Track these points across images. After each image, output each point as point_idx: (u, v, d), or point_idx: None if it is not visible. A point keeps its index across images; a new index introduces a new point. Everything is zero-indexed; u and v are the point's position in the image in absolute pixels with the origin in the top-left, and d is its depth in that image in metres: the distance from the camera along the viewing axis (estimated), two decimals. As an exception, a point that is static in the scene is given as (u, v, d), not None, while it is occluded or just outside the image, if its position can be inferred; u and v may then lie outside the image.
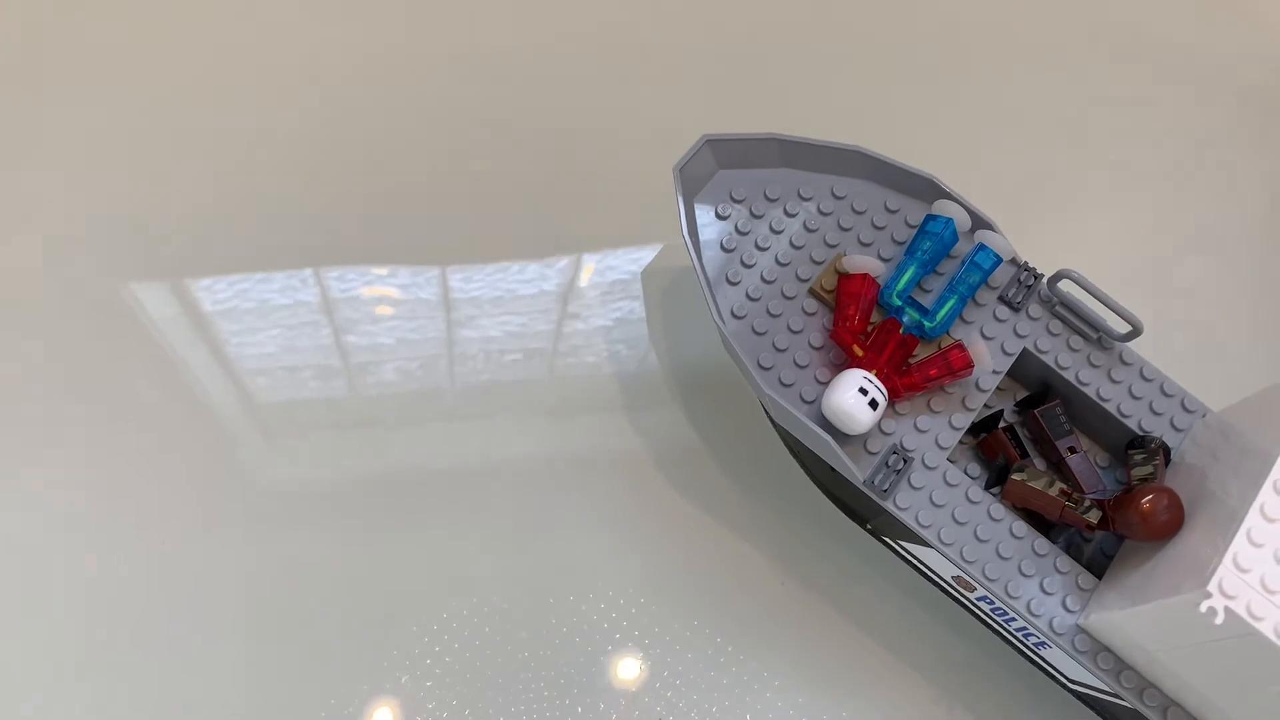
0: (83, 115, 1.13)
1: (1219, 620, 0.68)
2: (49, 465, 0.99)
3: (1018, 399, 0.92)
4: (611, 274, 1.11)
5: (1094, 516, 0.82)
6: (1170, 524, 0.78)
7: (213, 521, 0.98)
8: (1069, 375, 0.89)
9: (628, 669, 0.96)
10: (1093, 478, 0.88)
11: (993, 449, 0.89)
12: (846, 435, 0.84)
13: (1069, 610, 0.82)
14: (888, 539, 0.93)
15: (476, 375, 1.06)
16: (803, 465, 0.96)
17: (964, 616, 0.96)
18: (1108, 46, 1.26)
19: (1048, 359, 0.89)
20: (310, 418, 1.03)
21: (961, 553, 0.83)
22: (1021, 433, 0.91)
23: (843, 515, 0.97)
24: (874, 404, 0.81)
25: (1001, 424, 0.90)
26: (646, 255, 1.12)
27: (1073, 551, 0.87)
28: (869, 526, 0.94)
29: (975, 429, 0.90)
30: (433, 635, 0.95)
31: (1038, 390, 0.91)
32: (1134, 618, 0.77)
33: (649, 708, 0.94)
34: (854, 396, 0.81)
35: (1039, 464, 0.90)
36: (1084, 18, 1.28)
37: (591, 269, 1.11)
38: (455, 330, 1.08)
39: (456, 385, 1.06)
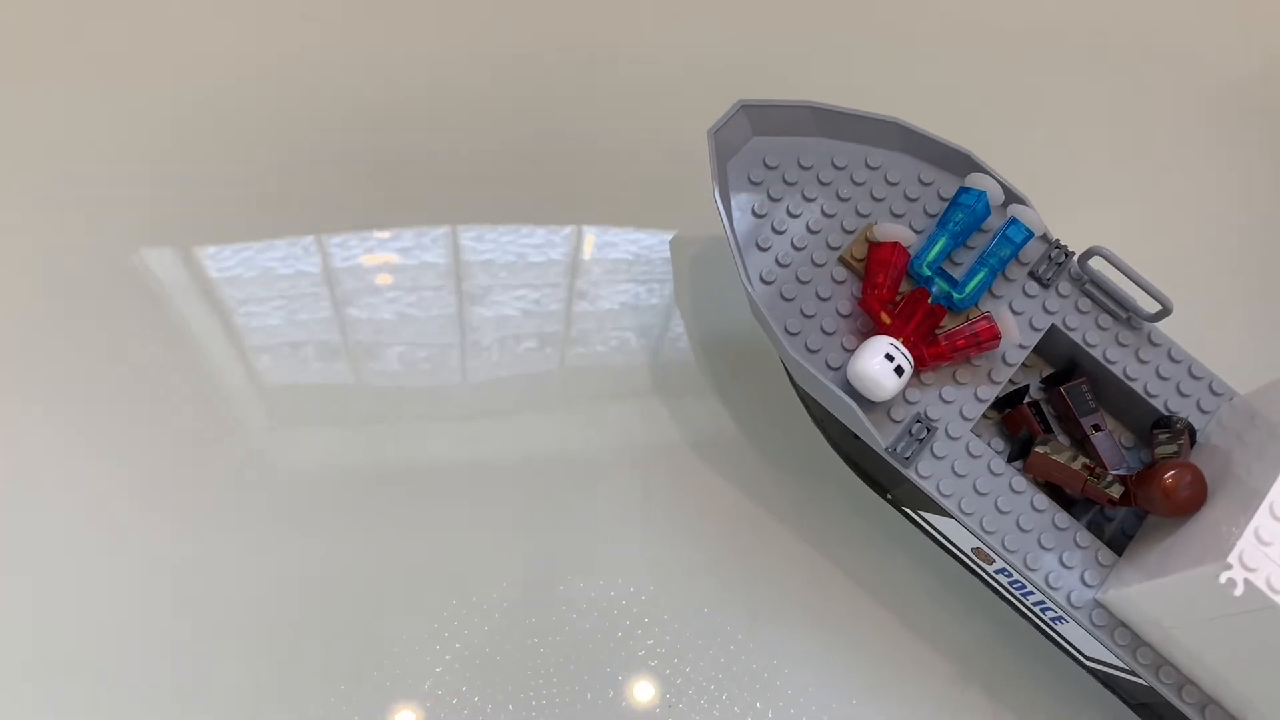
0: (77, 84, 1.14)
1: (1238, 592, 0.68)
2: (46, 448, 0.99)
3: (1044, 375, 0.92)
4: (635, 250, 1.11)
5: (1116, 491, 0.82)
6: (1193, 499, 0.78)
7: (210, 512, 0.98)
8: (1096, 353, 0.89)
9: (637, 657, 0.96)
10: (1116, 456, 0.88)
11: (1016, 424, 0.89)
12: (871, 402, 0.84)
13: (1087, 585, 0.83)
14: (908, 509, 0.93)
15: (489, 358, 1.06)
16: (825, 433, 0.97)
17: (984, 594, 0.96)
18: (1143, 33, 1.26)
19: (1075, 336, 0.89)
20: (314, 403, 1.04)
21: (981, 523, 0.83)
22: (1046, 409, 0.91)
23: (864, 485, 0.97)
24: (899, 370, 0.81)
25: (1026, 399, 0.90)
26: (678, 224, 1.12)
27: (1094, 530, 0.87)
28: (889, 496, 0.94)
29: (1000, 404, 0.90)
30: (441, 621, 0.96)
31: (1064, 368, 0.92)
32: (1152, 591, 0.77)
33: (660, 695, 0.95)
34: (880, 362, 0.81)
35: (1063, 440, 0.90)
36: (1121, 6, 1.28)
37: (607, 246, 1.12)
38: (466, 309, 1.08)
39: (467, 370, 1.06)
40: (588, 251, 1.12)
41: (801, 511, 1.01)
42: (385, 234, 1.10)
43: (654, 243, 1.12)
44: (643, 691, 0.95)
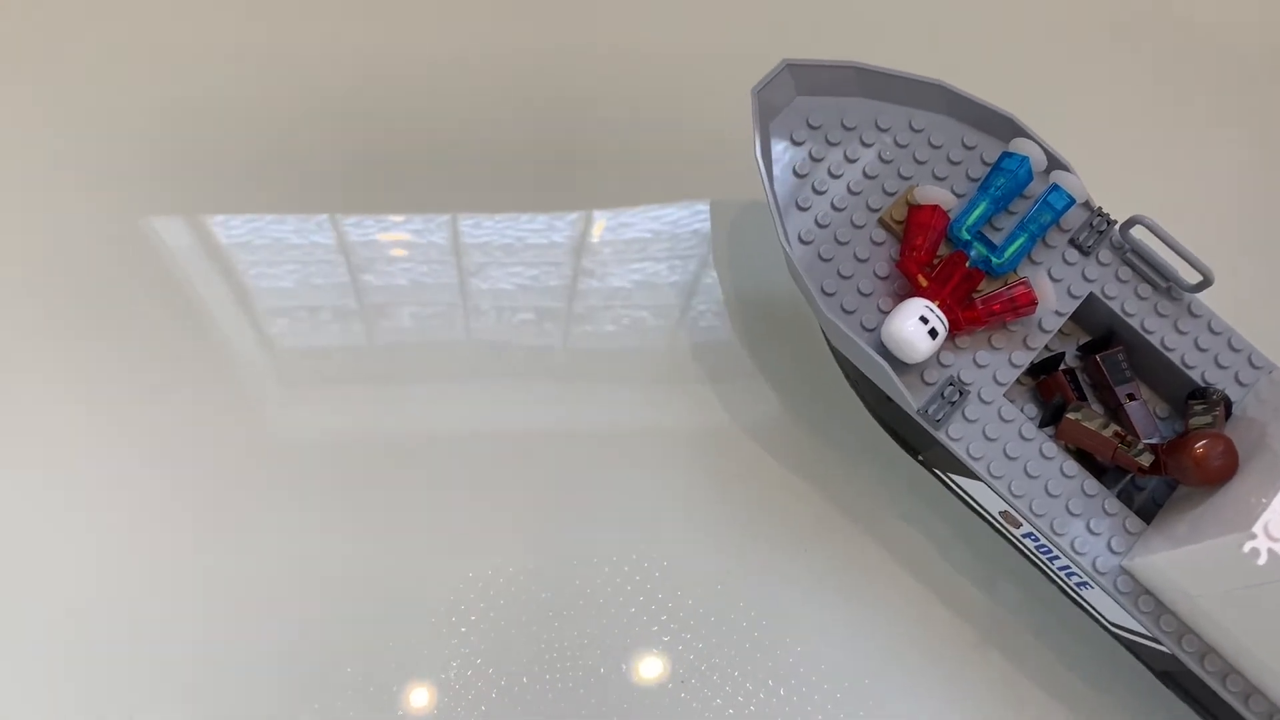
0: (93, 58, 1.15)
1: (1261, 561, 0.69)
2: (61, 413, 1.01)
3: (1080, 344, 0.92)
4: (655, 229, 1.11)
5: (1146, 459, 0.83)
6: (1223, 469, 0.78)
7: (224, 477, 1.00)
8: (1134, 323, 0.89)
9: (651, 632, 0.97)
10: (1149, 426, 0.88)
11: (1050, 390, 0.89)
12: (904, 364, 0.85)
13: (1114, 552, 0.83)
14: (938, 471, 0.94)
15: (509, 327, 1.07)
16: (859, 394, 0.98)
17: (1010, 560, 0.97)
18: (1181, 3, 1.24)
19: (1114, 305, 0.89)
20: (328, 368, 1.05)
21: (1010, 487, 0.84)
22: (1081, 378, 0.91)
23: (897, 447, 0.98)
24: (934, 333, 0.82)
25: (1062, 367, 0.90)
26: (715, 190, 1.13)
27: (1124, 500, 0.87)
28: (921, 458, 0.95)
29: (1035, 370, 0.90)
30: (458, 594, 0.97)
31: (1101, 336, 0.92)
32: (1178, 559, 0.77)
33: (673, 670, 0.96)
34: (914, 324, 0.82)
35: (1097, 409, 0.90)
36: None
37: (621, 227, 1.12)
38: (468, 280, 1.08)
39: (486, 341, 1.07)
40: (596, 234, 1.12)
41: (829, 472, 1.02)
42: (399, 217, 1.11)
43: (680, 216, 1.12)
44: (655, 667, 0.97)
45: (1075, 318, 0.91)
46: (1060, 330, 0.90)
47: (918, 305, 0.83)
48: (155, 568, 0.97)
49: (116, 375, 1.03)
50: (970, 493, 0.91)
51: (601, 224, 1.11)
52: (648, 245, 1.11)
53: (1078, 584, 0.87)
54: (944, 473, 0.92)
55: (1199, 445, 0.79)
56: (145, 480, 1.00)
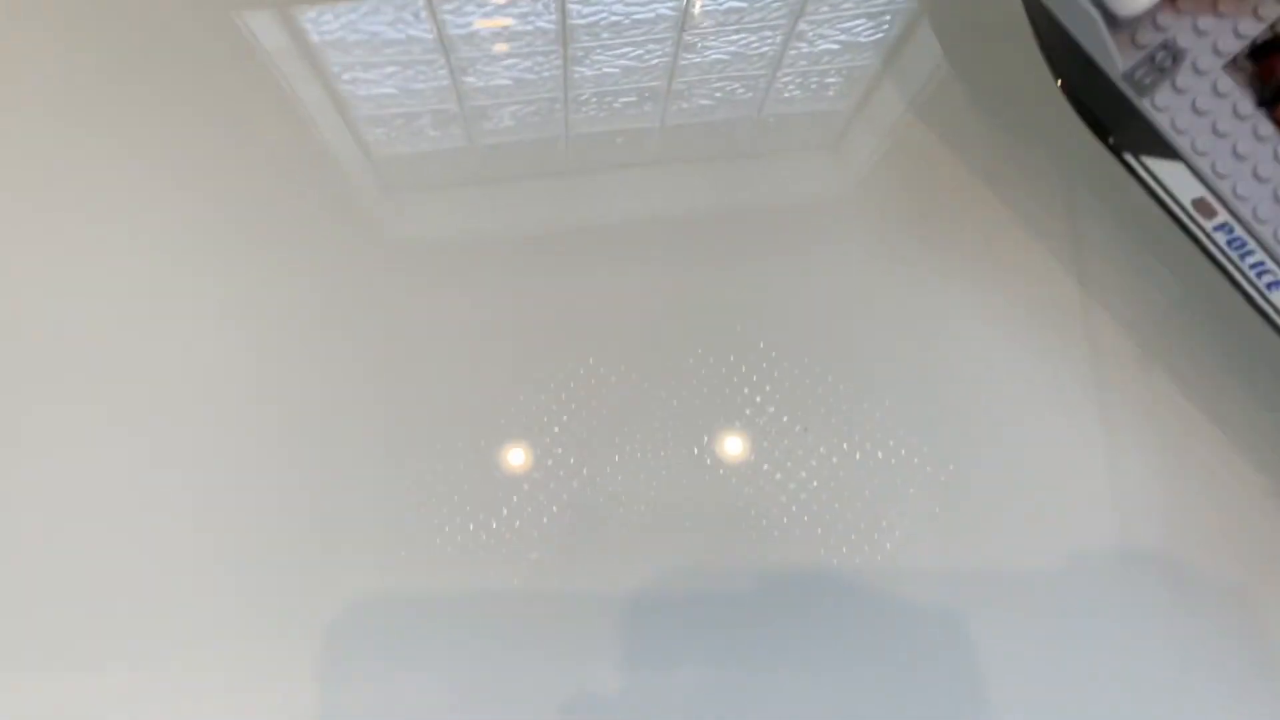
0: None
1: None
2: (161, 208, 0.99)
3: None
4: None
5: (1380, 142, 0.74)
6: None
7: (331, 273, 0.98)
8: None
9: (757, 401, 0.94)
10: (1383, 120, 0.79)
11: (1273, 72, 0.80)
12: (1115, 19, 0.76)
13: None
14: (1129, 155, 0.86)
15: (610, 113, 1.00)
16: (1052, 66, 0.90)
17: (1196, 262, 0.90)
18: None
19: None
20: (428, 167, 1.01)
21: (1213, 166, 0.77)
22: (1311, 65, 0.82)
23: (1086, 136, 0.91)
24: (1156, -23, 0.74)
25: (1291, 48, 0.81)
26: None
27: None
28: (1111, 141, 0.88)
29: (1257, 54, 0.81)
30: (580, 377, 0.95)
31: None
32: None
33: (788, 427, 0.93)
34: (1136, -36, 0.73)
35: None
36: None
37: None
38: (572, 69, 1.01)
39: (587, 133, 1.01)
40: None
41: (1001, 166, 0.96)
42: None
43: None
44: (734, 443, 0.94)
45: (1316, -3, 0.81)
46: None
47: (1142, -55, 0.74)
48: (263, 354, 0.97)
49: (214, 174, 1.01)
50: (1161, 179, 0.83)
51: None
52: None
53: (1269, 284, 0.81)
54: (1135, 156, 0.85)
55: None
56: (230, 269, 0.99)
